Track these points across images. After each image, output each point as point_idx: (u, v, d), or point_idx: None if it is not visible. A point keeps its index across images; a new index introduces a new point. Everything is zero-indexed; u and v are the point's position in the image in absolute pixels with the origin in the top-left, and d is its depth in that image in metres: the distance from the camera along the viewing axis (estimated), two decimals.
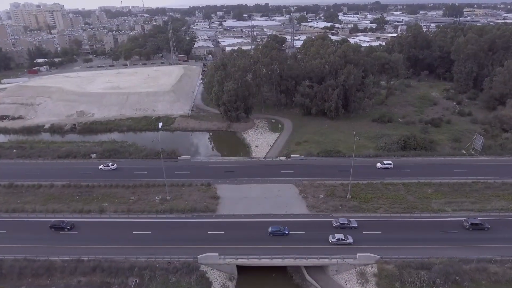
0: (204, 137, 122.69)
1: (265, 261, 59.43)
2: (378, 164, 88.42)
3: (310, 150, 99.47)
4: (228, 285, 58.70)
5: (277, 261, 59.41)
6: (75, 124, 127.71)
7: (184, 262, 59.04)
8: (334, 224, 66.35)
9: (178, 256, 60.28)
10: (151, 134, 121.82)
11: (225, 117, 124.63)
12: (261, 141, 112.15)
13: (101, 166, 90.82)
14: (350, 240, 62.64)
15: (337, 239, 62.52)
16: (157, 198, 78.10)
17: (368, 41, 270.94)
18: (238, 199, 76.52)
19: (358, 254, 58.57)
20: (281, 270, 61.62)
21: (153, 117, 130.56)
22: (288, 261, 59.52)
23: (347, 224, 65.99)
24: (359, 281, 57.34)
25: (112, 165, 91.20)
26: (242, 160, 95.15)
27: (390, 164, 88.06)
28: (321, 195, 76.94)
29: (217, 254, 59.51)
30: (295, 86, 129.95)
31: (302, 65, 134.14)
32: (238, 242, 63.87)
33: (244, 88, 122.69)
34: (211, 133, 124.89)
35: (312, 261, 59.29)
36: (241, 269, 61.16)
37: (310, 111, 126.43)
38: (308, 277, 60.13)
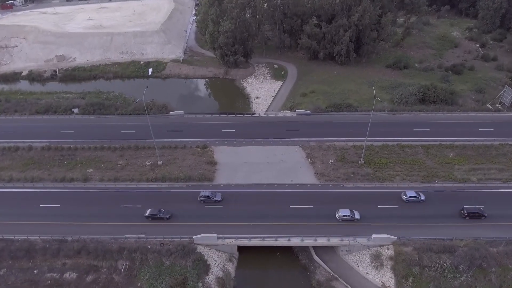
0: (199, 86, 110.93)
1: (269, 242, 53.42)
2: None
3: (318, 103, 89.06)
4: (228, 266, 53.52)
5: (282, 242, 53.41)
6: (55, 71, 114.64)
7: (179, 243, 52.95)
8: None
9: (172, 235, 54.11)
10: (140, 81, 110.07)
11: (222, 62, 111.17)
12: (262, 91, 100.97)
13: None
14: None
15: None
16: (147, 163, 70.10)
17: None
18: (238, 165, 68.56)
19: (373, 235, 52.32)
20: (287, 248, 55.95)
21: (141, 62, 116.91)
22: (295, 241, 53.53)
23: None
24: (373, 264, 51.98)
25: None
26: (241, 116, 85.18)
27: None
28: (331, 160, 68.90)
29: (215, 234, 53.28)
30: (300, 26, 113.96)
31: (310, 0, 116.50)
32: (239, 218, 57.38)
33: (242, 29, 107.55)
34: (207, 80, 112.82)
35: (321, 241, 53.28)
36: (242, 247, 55.54)
37: (317, 55, 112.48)
38: (316, 257, 54.79)
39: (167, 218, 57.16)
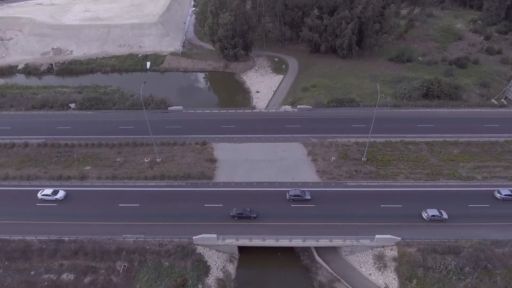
0: (198, 80, 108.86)
1: (270, 243, 52.35)
2: None
3: (319, 98, 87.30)
4: (228, 267, 52.57)
5: (283, 243, 52.35)
6: (52, 64, 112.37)
7: (178, 244, 51.86)
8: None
9: (171, 236, 53.02)
10: (138, 75, 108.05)
11: (222, 55, 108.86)
12: (262, 85, 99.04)
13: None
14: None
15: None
16: (146, 160, 68.73)
17: None
18: (238, 163, 67.21)
19: (377, 236, 51.27)
20: (288, 248, 54.88)
21: (139, 55, 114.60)
22: (296, 242, 52.47)
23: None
24: (376, 265, 51.01)
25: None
26: (241, 111, 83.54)
27: None
28: (333, 158, 67.53)
29: (215, 235, 52.13)
30: (302, 18, 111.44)
31: None
32: (239, 217, 56.16)
33: (242, 21, 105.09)
34: (206, 74, 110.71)
35: (324, 242, 52.21)
36: (242, 247, 54.48)
37: (318, 48, 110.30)
38: (318, 258, 53.79)
39: (254, 217, 55.45)
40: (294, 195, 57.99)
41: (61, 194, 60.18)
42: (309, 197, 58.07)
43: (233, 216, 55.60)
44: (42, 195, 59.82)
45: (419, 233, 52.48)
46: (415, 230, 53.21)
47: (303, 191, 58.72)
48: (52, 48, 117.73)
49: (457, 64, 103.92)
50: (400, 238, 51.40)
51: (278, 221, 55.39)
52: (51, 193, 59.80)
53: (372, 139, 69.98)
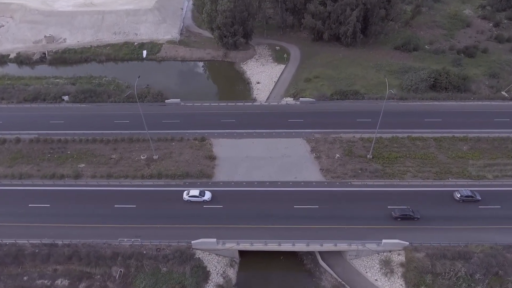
0: (196, 70, 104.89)
1: (272, 247, 50.25)
2: None
3: (322, 90, 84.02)
4: (228, 272, 50.59)
5: (286, 247, 50.25)
6: (44, 53, 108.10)
7: (177, 249, 49.70)
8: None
9: (169, 240, 50.82)
10: (135, 64, 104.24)
11: (221, 43, 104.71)
12: (263, 75, 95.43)
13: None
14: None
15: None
16: (142, 157, 66.03)
17: None
18: (239, 160, 64.53)
19: (384, 241, 49.14)
20: (291, 251, 52.70)
21: (135, 43, 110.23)
22: (300, 246, 50.33)
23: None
24: (383, 270, 49.05)
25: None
26: (241, 104, 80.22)
27: None
28: (337, 155, 64.81)
29: (214, 239, 49.94)
30: (304, 4, 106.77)
31: None
32: (240, 220, 53.99)
33: (242, 7, 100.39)
34: (205, 63, 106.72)
35: (328, 246, 50.10)
36: (243, 250, 52.35)
37: (321, 36, 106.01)
38: (321, 262, 51.81)
39: (418, 218, 52.74)
40: (465, 196, 55.09)
41: (208, 195, 56.86)
42: (479, 198, 55.02)
43: (395, 218, 52.89)
44: (190, 196, 56.47)
45: (428, 237, 50.29)
46: (424, 234, 50.98)
47: (474, 191, 55.73)
48: (45, 36, 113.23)
49: (465, 53, 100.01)
50: (408, 243, 49.28)
51: (282, 223, 53.08)
52: (199, 194, 56.56)
53: (378, 135, 67.07)
